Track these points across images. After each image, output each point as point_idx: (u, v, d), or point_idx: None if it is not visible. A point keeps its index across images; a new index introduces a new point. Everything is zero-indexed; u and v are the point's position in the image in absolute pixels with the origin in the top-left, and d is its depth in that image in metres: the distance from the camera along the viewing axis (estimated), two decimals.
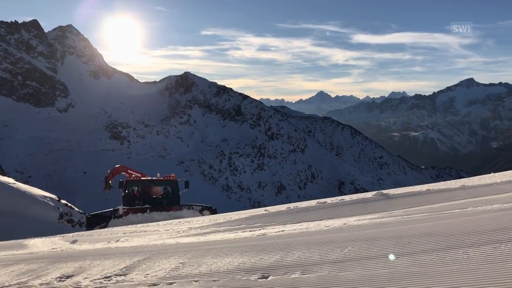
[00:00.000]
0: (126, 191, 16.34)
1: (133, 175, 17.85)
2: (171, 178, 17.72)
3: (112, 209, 15.96)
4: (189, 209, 15.79)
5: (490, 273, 2.34)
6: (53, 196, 26.73)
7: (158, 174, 17.64)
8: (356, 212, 5.25)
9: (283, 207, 6.78)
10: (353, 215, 5.10)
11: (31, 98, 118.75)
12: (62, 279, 3.89)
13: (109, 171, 18.60)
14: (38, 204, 23.16)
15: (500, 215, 3.64)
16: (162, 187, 17.55)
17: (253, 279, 3.02)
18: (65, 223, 22.47)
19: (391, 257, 2.78)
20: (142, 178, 17.62)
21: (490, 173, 8.20)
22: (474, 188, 5.49)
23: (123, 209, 14.69)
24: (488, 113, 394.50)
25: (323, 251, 3.40)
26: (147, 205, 15.60)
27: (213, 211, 16.17)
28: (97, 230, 15.00)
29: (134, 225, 12.67)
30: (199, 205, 16.57)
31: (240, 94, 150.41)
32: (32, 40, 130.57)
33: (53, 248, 6.39)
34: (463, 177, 9.43)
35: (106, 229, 14.00)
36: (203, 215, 14.67)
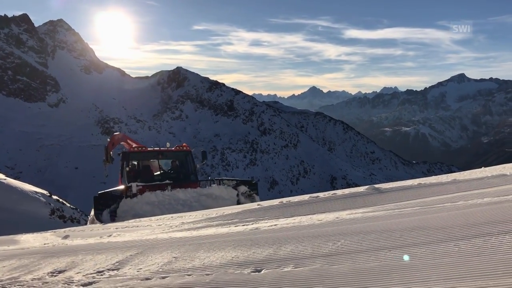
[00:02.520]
0: (130, 165, 13.72)
1: (133, 146, 14.89)
2: (184, 148, 14.78)
3: (121, 186, 12.96)
4: (220, 184, 12.84)
5: (480, 265, 2.37)
6: (45, 192, 26.60)
7: (168, 144, 15.28)
8: (348, 206, 5.27)
9: (275, 201, 6.79)
10: (345, 209, 5.12)
11: (22, 93, 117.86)
12: (54, 274, 3.88)
13: (108, 139, 16.11)
14: (29, 200, 23.04)
15: (490, 208, 3.68)
16: (173, 159, 14.68)
17: (246, 272, 3.03)
18: (57, 219, 22.39)
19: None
20: (148, 149, 14.67)
21: (481, 167, 8.25)
22: (465, 182, 5.53)
23: (138, 186, 11.81)
24: (479, 108, 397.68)
25: (315, 244, 3.42)
26: (167, 181, 12.85)
27: (253, 186, 13.29)
28: (94, 225, 14.46)
29: (151, 205, 11.15)
30: (232, 179, 13.44)
31: (233, 89, 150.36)
32: (22, 35, 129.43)
33: (44, 243, 6.36)
34: (454, 171, 9.50)
35: (99, 224, 13.70)
36: (238, 192, 12.67)
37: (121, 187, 12.68)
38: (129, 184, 11.92)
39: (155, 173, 14.19)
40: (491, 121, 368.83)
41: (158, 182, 12.75)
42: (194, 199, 11.69)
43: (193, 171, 14.27)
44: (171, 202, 11.42)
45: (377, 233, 3.45)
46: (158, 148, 14.88)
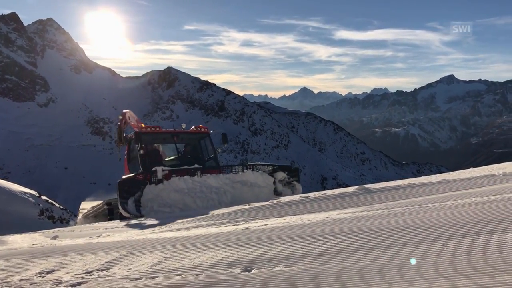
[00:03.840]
0: (144, 148, 11.87)
1: (144, 126, 12.93)
2: (202, 129, 13.22)
3: (142, 172, 11.33)
4: (254, 170, 11.25)
5: (468, 264, 2.38)
6: (34, 192, 26.35)
7: (184, 125, 13.45)
8: (339, 206, 5.29)
9: (266, 201, 6.80)
10: (335, 209, 5.14)
11: (10, 92, 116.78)
12: (43, 275, 3.85)
13: (120, 117, 13.83)
14: (18, 200, 22.82)
15: (479, 208, 3.71)
16: (189, 142, 13.32)
17: (236, 272, 3.02)
18: (46, 220, 22.20)
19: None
20: (163, 130, 13.01)
21: (469, 168, 8.32)
22: (454, 182, 5.58)
23: (163, 170, 10.29)
24: (468, 109, 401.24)
25: (305, 244, 3.42)
26: (196, 165, 11.42)
27: (293, 172, 11.69)
28: (83, 225, 14.13)
29: (180, 193, 9.73)
30: (269, 164, 11.74)
31: (224, 89, 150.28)
32: (11, 34, 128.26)
33: (33, 244, 6.30)
34: (443, 172, 9.54)
35: (91, 224, 13.54)
36: (275, 179, 11.23)
37: (137, 172, 11.25)
38: (154, 169, 10.32)
39: (166, 159, 12.87)
40: (479, 122, 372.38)
41: (186, 167, 11.26)
42: (227, 186, 10.36)
43: (213, 156, 12.95)
44: (202, 189, 10.10)
45: (366, 233, 3.46)
46: (173, 130, 13.25)
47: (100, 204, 16.84)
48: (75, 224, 20.38)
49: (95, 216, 16.18)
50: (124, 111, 13.98)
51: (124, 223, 8.63)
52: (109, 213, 12.40)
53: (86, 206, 20.36)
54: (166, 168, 10.52)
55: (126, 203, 9.68)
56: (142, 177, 10.28)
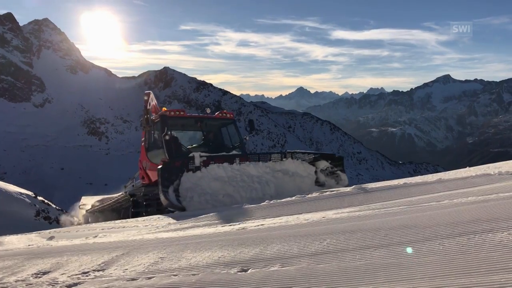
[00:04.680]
0: (168, 134, 10.86)
1: (166, 109, 11.86)
2: (227, 115, 12.41)
3: (179, 158, 10.43)
4: (293, 158, 10.33)
5: (464, 263, 2.39)
6: (30, 193, 26.23)
7: (208, 110, 13.00)
8: (335, 205, 5.30)
9: (262, 201, 6.80)
10: (331, 208, 5.15)
11: (6, 93, 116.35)
12: (39, 275, 3.83)
13: (145, 97, 12.22)
14: (14, 201, 22.72)
15: (475, 207, 3.72)
16: (214, 128, 12.42)
17: (232, 272, 3.02)
18: (42, 220, 22.11)
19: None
20: (188, 115, 12.13)
21: (466, 167, 8.34)
22: (450, 182, 5.59)
23: (201, 156, 9.35)
24: (464, 109, 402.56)
25: (302, 244, 3.43)
26: (234, 152, 10.77)
27: (337, 161, 10.62)
28: (79, 226, 13.97)
29: (220, 181, 9.04)
30: (309, 153, 10.73)
31: (220, 89, 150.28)
32: (6, 34, 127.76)
33: (29, 245, 6.28)
34: (439, 171, 9.50)
35: (84, 225, 13.46)
36: (317, 168, 10.37)
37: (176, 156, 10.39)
38: (191, 154, 9.49)
39: (188, 147, 11.89)
40: (475, 121, 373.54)
41: (224, 153, 10.52)
42: (268, 175, 9.65)
43: (240, 144, 12.17)
44: (243, 178, 9.36)
45: (363, 232, 3.47)
46: (197, 115, 12.33)
47: (108, 197, 15.92)
48: (71, 222, 19.95)
49: (102, 211, 15.59)
50: (146, 92, 12.72)
51: (121, 224, 8.61)
52: (133, 206, 11.31)
53: (88, 201, 19.78)
54: (204, 154, 9.63)
55: (167, 192, 8.75)
56: (178, 163, 9.33)
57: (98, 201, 16.92)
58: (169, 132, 10.88)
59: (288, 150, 10.44)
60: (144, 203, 10.86)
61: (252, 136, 12.78)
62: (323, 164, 10.44)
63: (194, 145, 11.94)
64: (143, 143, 12.53)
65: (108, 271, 3.65)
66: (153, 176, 11.33)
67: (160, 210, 9.81)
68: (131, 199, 11.49)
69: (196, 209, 8.04)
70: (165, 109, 11.78)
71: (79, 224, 18.37)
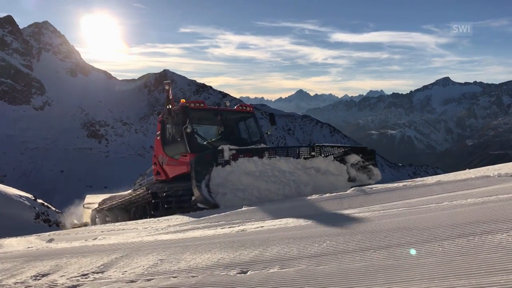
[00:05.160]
0: (189, 127, 10.29)
1: (185, 101, 11.19)
2: (247, 108, 11.99)
3: (210, 148, 10.02)
4: (320, 152, 9.72)
5: (464, 265, 2.39)
6: (29, 196, 26.20)
7: (228, 102, 12.57)
8: (335, 207, 5.29)
9: (262, 203, 6.80)
10: (331, 210, 5.14)
11: (6, 95, 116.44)
12: (38, 278, 3.83)
13: (166, 86, 10.96)
14: (14, 204, 22.70)
15: (474, 209, 3.72)
16: (228, 124, 11.77)
17: (232, 274, 3.02)
18: (42, 223, 22.09)
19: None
20: (209, 107, 11.59)
21: (465, 169, 8.34)
22: (449, 184, 5.59)
23: (231, 149, 8.79)
24: (464, 111, 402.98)
25: (301, 245, 3.43)
26: (262, 145, 10.26)
27: (368, 155, 10.02)
28: (79, 228, 13.86)
29: (252, 176, 8.50)
30: (339, 146, 10.09)
31: (220, 92, 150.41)
32: (6, 37, 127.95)
33: (28, 247, 6.28)
34: (439, 174, 9.43)
35: (84, 227, 13.40)
36: (347, 163, 9.80)
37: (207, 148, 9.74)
38: (220, 147, 8.90)
39: (206, 141, 11.18)
40: (475, 124, 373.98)
41: (253, 147, 9.94)
42: (300, 171, 9.11)
43: (261, 138, 11.69)
44: (275, 173, 8.81)
45: (362, 234, 3.47)
46: (217, 107, 11.67)
47: (116, 195, 15.42)
48: (74, 223, 19.44)
49: (110, 209, 15.06)
50: (167, 81, 11.66)
51: (121, 226, 8.60)
52: (154, 207, 10.57)
53: (92, 199, 19.25)
54: (233, 147, 9.06)
55: (201, 187, 8.20)
56: (208, 157, 8.76)
57: (106, 199, 16.40)
58: (190, 125, 10.34)
59: (316, 144, 9.90)
60: (167, 199, 10.24)
61: (274, 130, 11.97)
62: (354, 158, 9.90)
63: (212, 139, 11.37)
64: (158, 137, 11.89)
65: (107, 273, 3.65)
66: (171, 171, 11.04)
67: (181, 207, 9.48)
68: (149, 195, 10.82)
69: (228, 206, 7.60)
70: (184, 100, 11.25)
71: (84, 224, 17.88)
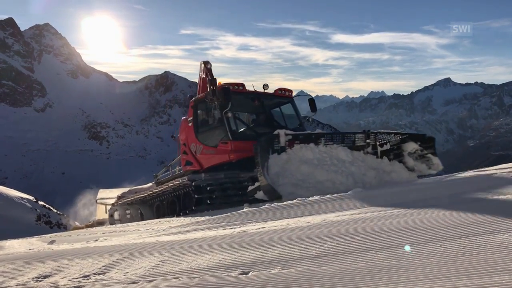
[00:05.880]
0: (230, 111, 9.56)
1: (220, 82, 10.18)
2: (286, 93, 11.15)
3: (252, 134, 9.40)
4: (372, 140, 9.03)
5: (466, 265, 2.38)
6: (31, 198, 26.27)
7: (266, 86, 10.83)
8: (336, 208, 5.28)
9: (263, 204, 6.79)
10: (332, 211, 5.13)
11: (7, 97, 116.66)
12: (39, 279, 3.83)
13: (208, 65, 10.50)
14: (15, 206, 22.75)
15: (476, 209, 3.71)
16: (262, 111, 10.73)
17: (233, 275, 3.02)
18: (43, 225, 22.14)
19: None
20: (249, 90, 10.55)
21: (467, 170, 8.33)
22: (451, 184, 5.59)
23: (287, 135, 7.93)
24: (465, 112, 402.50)
25: (302, 246, 3.42)
26: (318, 131, 9.15)
27: (427, 142, 9.22)
28: (80, 230, 13.82)
29: (310, 165, 7.74)
30: (396, 133, 9.34)
31: None
32: (7, 39, 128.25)
33: (30, 249, 6.28)
34: (440, 174, 9.30)
35: (85, 229, 13.36)
36: (405, 151, 9.09)
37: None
38: (276, 132, 8.03)
39: (247, 127, 10.48)
40: (476, 124, 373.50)
41: (309, 132, 9.06)
42: (359, 161, 8.44)
43: (300, 125, 10.96)
44: (334, 162, 8.03)
45: (364, 235, 3.46)
46: (254, 90, 10.56)
47: (137, 188, 14.21)
48: (88, 222, 18.38)
49: (131, 204, 13.70)
50: (205, 60, 10.94)
51: (122, 228, 8.60)
52: (196, 203, 9.49)
53: (106, 194, 17.61)
54: (289, 132, 8.26)
55: (267, 174, 7.46)
56: (265, 143, 7.89)
57: (125, 192, 14.72)
58: (231, 109, 9.49)
59: (372, 130, 9.14)
60: (211, 192, 9.36)
61: (314, 116, 11.29)
62: (412, 146, 9.10)
63: (251, 125, 10.66)
64: (190, 123, 10.86)
65: (109, 274, 3.65)
66: (207, 161, 10.18)
67: (227, 203, 8.83)
68: (192, 186, 9.54)
69: (289, 198, 6.84)
70: (221, 82, 10.22)
71: (98, 221, 16.69)
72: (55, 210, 27.28)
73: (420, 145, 9.09)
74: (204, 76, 10.84)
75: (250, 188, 7.90)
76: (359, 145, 8.79)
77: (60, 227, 22.97)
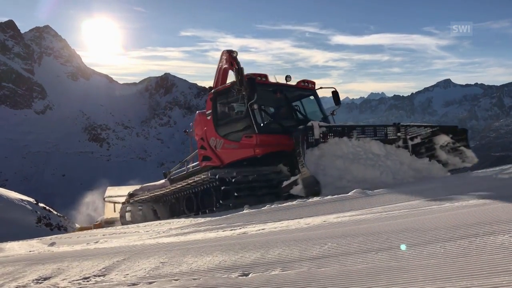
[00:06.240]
0: (256, 102, 9.03)
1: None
2: (309, 85, 10.65)
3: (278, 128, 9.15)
4: (400, 132, 8.63)
5: (466, 266, 2.38)
6: (31, 200, 26.28)
7: (289, 78, 10.17)
8: (336, 209, 5.28)
9: (263, 205, 6.79)
10: (332, 212, 5.13)
11: (7, 100, 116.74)
12: (40, 281, 3.83)
13: (234, 54, 9.74)
14: (15, 208, 22.76)
15: (476, 210, 3.72)
16: (281, 104, 10.38)
17: (233, 276, 3.02)
18: (44, 227, 22.14)
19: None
20: (272, 82, 10.07)
21: (467, 171, 8.33)
22: (451, 185, 5.58)
23: (321, 126, 7.56)
24: (465, 113, 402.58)
25: (303, 248, 3.42)
26: (350, 123, 8.95)
27: (459, 135, 8.98)
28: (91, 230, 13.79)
29: (345, 160, 7.36)
30: (426, 126, 9.01)
31: None
32: (8, 41, 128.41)
33: (30, 251, 6.28)
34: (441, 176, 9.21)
35: (87, 231, 13.29)
36: (437, 145, 8.85)
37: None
38: (310, 123, 7.61)
39: (272, 119, 10.12)
40: (476, 126, 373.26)
41: (342, 124, 8.76)
42: (394, 156, 8.08)
43: (324, 119, 10.50)
44: (369, 156, 7.70)
45: (364, 236, 3.46)
46: (276, 82, 10.06)
47: (150, 185, 13.60)
48: (97, 222, 17.84)
49: (144, 201, 12.95)
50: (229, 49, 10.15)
51: (122, 230, 8.60)
52: (223, 196, 8.86)
53: (115, 192, 16.97)
54: (323, 124, 7.93)
55: (309, 166, 7.11)
56: (301, 135, 7.40)
57: (137, 190, 13.96)
58: (256, 100, 8.97)
59: (402, 123, 8.74)
60: (238, 187, 8.73)
61: (338, 110, 10.88)
62: (443, 139, 8.83)
63: (270, 119, 10.22)
64: (209, 117, 10.42)
65: (109, 276, 3.65)
66: (228, 156, 9.76)
67: (256, 195, 8.41)
68: (220, 184, 8.90)
69: (327, 194, 6.53)
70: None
71: (107, 220, 16.04)
72: (55, 212, 27.29)
73: (452, 138, 8.85)
74: (226, 66, 10.29)
75: (285, 183, 7.58)
76: (390, 138, 8.48)
77: (61, 229, 22.96)
